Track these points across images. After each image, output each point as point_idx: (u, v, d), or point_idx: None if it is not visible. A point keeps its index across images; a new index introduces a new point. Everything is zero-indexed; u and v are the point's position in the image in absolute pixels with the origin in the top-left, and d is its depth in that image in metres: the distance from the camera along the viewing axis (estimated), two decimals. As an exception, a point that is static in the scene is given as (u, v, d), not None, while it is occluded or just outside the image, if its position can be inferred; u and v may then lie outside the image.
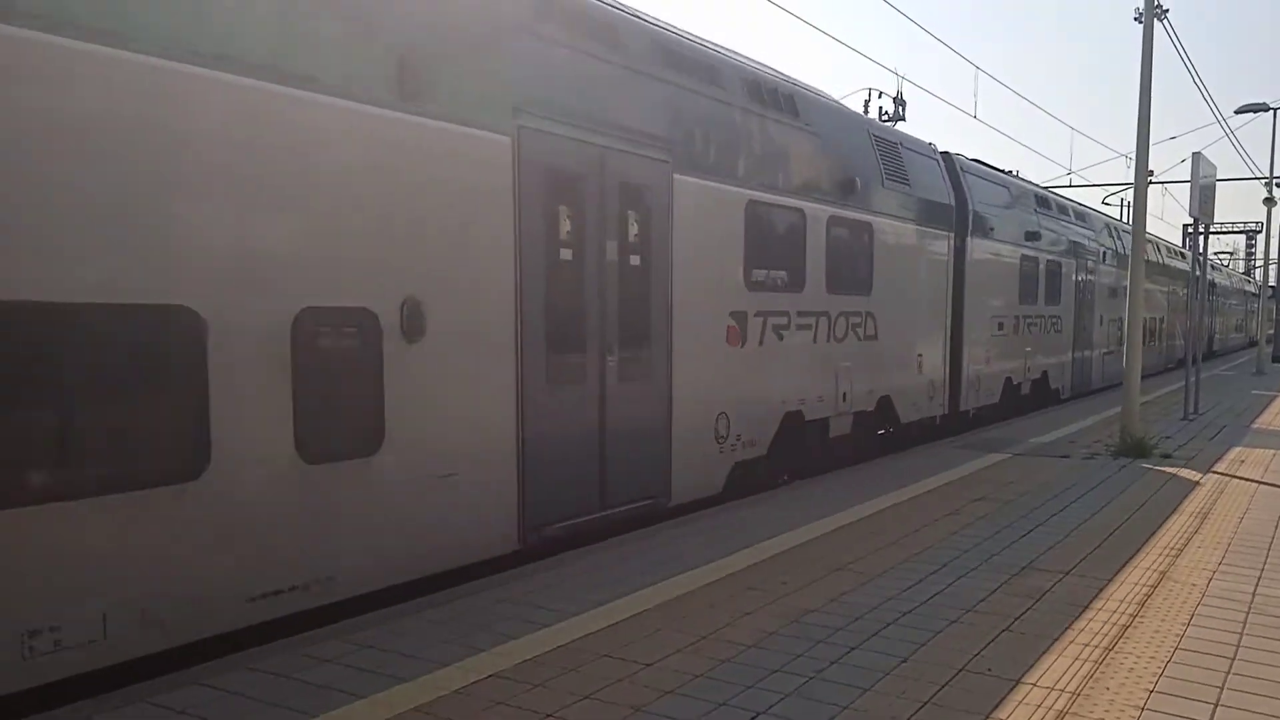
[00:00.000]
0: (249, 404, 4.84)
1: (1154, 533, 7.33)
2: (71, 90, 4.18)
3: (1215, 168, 14.77)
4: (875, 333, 10.93)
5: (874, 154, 11.02)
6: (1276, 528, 7.52)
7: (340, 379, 5.40)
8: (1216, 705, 4.10)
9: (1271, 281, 36.25)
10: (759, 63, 9.66)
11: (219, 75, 4.67)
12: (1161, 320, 26.66)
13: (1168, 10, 12.41)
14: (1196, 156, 13.50)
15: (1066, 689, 4.26)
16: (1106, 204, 36.18)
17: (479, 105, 6.08)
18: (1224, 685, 4.33)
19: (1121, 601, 5.57)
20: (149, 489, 4.44)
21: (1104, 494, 8.89)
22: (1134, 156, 12.37)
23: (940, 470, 10.09)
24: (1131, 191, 13.59)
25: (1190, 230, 19.50)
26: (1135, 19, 12.21)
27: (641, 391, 7.62)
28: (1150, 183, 13.63)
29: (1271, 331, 36.40)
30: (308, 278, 5.12)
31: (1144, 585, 5.91)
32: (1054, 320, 17.31)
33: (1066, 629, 5.07)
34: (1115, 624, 5.17)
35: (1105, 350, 20.93)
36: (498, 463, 6.31)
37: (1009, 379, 15.37)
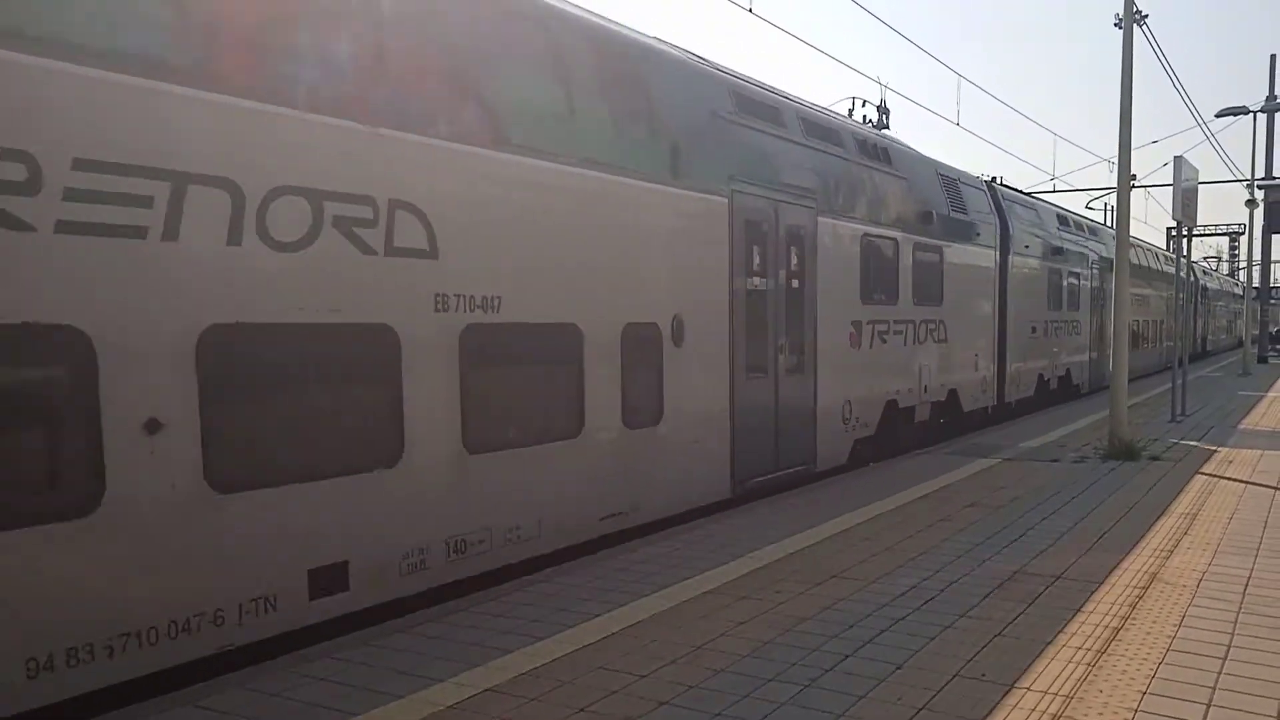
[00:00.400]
0: (601, 388, 7.20)
1: (1144, 535, 7.36)
2: (594, 203, 7.18)
3: (1197, 171, 14.90)
4: (945, 337, 13.40)
5: (941, 189, 13.49)
6: (1265, 528, 7.57)
7: (643, 371, 7.68)
8: (1209, 706, 4.12)
9: (1255, 283, 36.52)
10: (856, 122, 13.20)
11: (600, 175, 7.19)
12: (1161, 323, 28.95)
13: (1147, 15, 12.54)
14: (1178, 160, 13.62)
15: (1060, 692, 4.28)
16: (1090, 208, 36.57)
17: (713, 177, 8.54)
18: (1216, 685, 4.35)
19: (1113, 604, 5.59)
20: (555, 442, 6.84)
21: (1094, 497, 8.93)
22: (1116, 161, 12.48)
23: (932, 476, 10.12)
24: (1114, 196, 13.69)
25: (1174, 233, 19.67)
26: (1115, 24, 12.34)
27: (799, 383, 9.98)
28: (1133, 187, 13.74)
29: (1257, 333, 36.65)
30: (629, 303, 7.53)
31: (1135, 587, 5.94)
32: (1074, 324, 19.92)
33: (1059, 632, 5.09)
34: (1107, 627, 5.19)
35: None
36: (719, 433, 8.72)
37: (1041, 375, 17.98)
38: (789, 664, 4.67)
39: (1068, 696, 4.24)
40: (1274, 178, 31.84)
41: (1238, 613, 5.41)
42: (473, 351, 6.08)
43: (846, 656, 4.78)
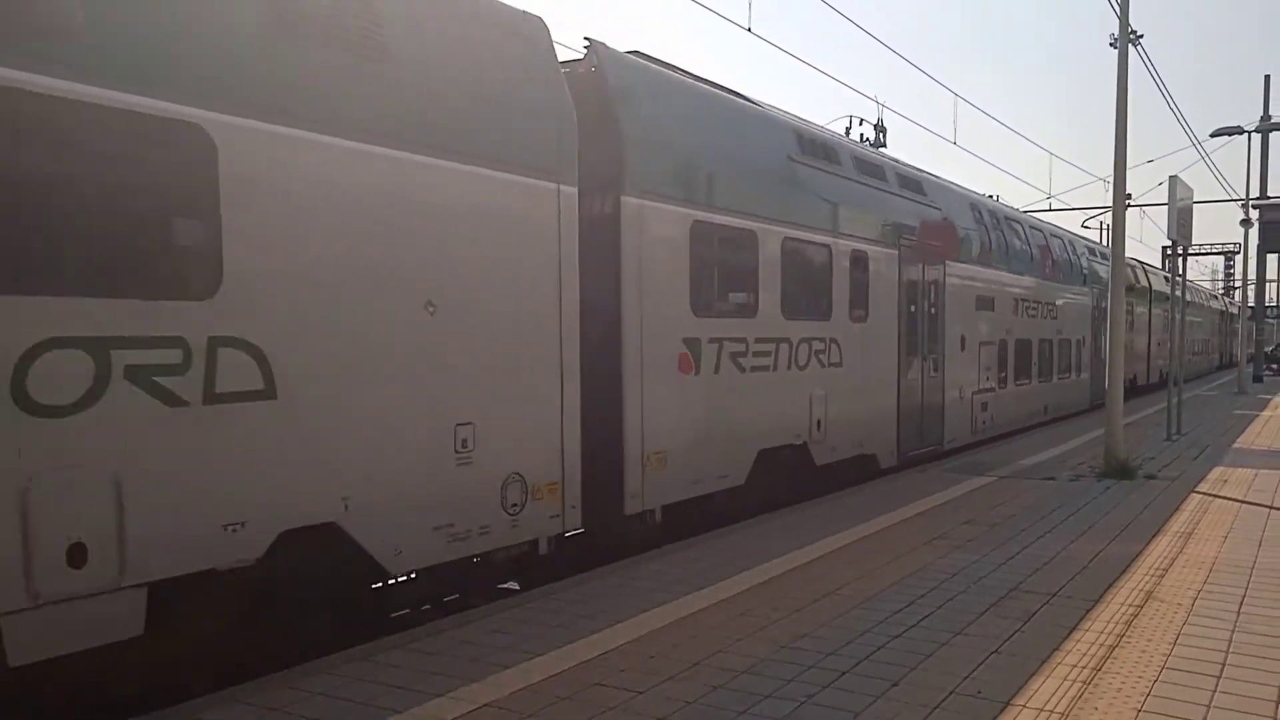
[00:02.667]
0: None
1: (1139, 553, 7.39)
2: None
3: (1192, 190, 15.00)
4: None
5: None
6: (1260, 546, 7.60)
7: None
8: (1203, 724, 4.15)
9: (1250, 302, 36.65)
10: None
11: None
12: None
13: (1142, 35, 12.64)
14: (1173, 180, 13.72)
15: (1055, 710, 4.30)
16: (1086, 227, 36.69)
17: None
18: (1210, 704, 4.37)
19: (1109, 622, 5.61)
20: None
21: (1089, 516, 8.96)
22: (1112, 181, 12.57)
23: (928, 494, 10.15)
24: (1110, 215, 13.78)
25: (1169, 252, 19.78)
26: (1110, 44, 12.44)
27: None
28: (1128, 206, 13.82)
29: (1252, 351, 36.75)
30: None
31: (1130, 605, 5.96)
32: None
33: (1055, 650, 5.11)
34: (1103, 644, 5.21)
35: (1154, 361, 28.85)
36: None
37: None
38: (786, 680, 4.69)
39: (1064, 714, 4.26)
40: (1269, 197, 32.04)
41: (1232, 631, 5.44)
42: None
43: (843, 673, 4.79)
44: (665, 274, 7.96)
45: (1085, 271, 21.03)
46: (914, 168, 13.99)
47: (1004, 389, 16.09)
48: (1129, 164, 12.33)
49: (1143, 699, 4.42)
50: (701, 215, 8.43)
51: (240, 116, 4.84)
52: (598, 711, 4.32)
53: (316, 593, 5.50)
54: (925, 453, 12.91)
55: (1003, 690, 4.54)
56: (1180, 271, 16.56)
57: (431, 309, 5.83)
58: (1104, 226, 36.09)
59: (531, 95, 6.64)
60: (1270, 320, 38.91)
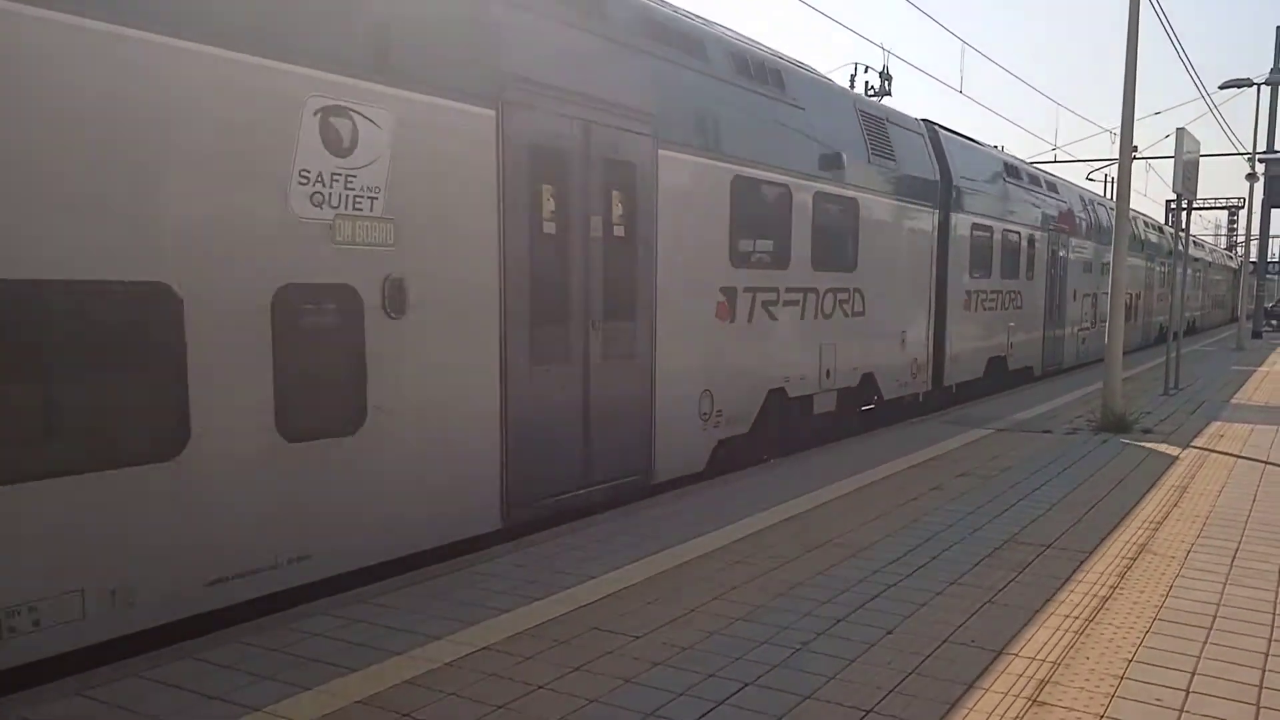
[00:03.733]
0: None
1: (1134, 506, 7.44)
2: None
3: (1199, 143, 14.85)
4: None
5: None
6: (1253, 501, 7.64)
7: None
8: (1193, 674, 4.20)
9: (1252, 258, 36.51)
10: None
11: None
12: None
13: (1154, -14, 12.42)
14: (1180, 132, 13.55)
15: (1048, 659, 4.35)
16: (1090, 180, 36.39)
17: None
18: (1200, 655, 4.42)
19: (1102, 574, 5.66)
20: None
21: (1085, 469, 9.00)
22: (1119, 132, 12.42)
23: (924, 445, 10.18)
24: (1115, 167, 13.66)
25: (1173, 206, 19.65)
26: (1122, -7, 12.20)
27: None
28: (1134, 158, 13.68)
29: (1252, 307, 36.71)
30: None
31: (1124, 558, 6.01)
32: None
33: (1048, 601, 5.16)
34: (1096, 595, 5.26)
35: (1198, 312, 37.97)
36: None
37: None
38: (782, 627, 4.74)
39: (1055, 663, 4.30)
40: (1275, 151, 31.75)
41: (1224, 584, 5.48)
42: None
43: (839, 621, 4.84)
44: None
45: (1142, 241, 26.70)
46: (1048, 174, 19.93)
47: (1094, 328, 21.48)
48: (1136, 115, 12.19)
49: (1134, 649, 4.47)
50: None
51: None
52: (595, 655, 4.36)
53: (860, 401, 11.61)
54: (1053, 368, 19.04)
55: (996, 639, 4.59)
56: (1185, 225, 16.46)
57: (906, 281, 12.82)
58: (1108, 178, 35.82)
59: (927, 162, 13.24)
60: (1272, 276, 38.76)
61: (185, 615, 4.68)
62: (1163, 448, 10.18)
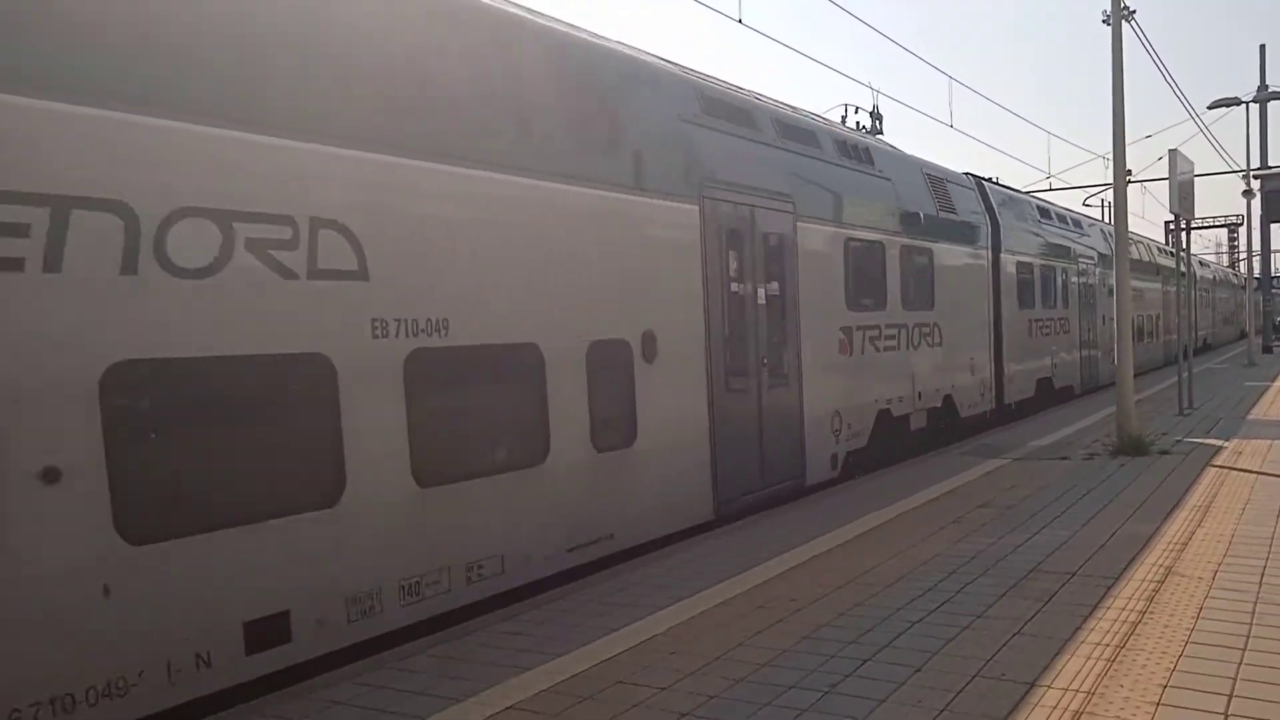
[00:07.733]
0: None
1: (1157, 529, 7.36)
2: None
3: (1193, 163, 14.93)
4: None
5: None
6: (1278, 518, 7.56)
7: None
8: (1231, 696, 4.12)
9: (1256, 273, 36.48)
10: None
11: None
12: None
13: (1135, 11, 12.58)
14: (1173, 153, 13.65)
15: (1081, 689, 4.28)
16: (1087, 205, 36.52)
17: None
18: (1237, 676, 4.34)
19: (1130, 599, 5.59)
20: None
21: (1105, 493, 8.93)
22: (1111, 157, 12.51)
23: (943, 478, 10.12)
24: (1111, 192, 13.77)
25: (1172, 227, 19.73)
26: (1104, 21, 12.40)
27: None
28: (1129, 182, 13.78)
29: (1261, 324, 36.61)
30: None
31: (1151, 582, 5.93)
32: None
33: (1077, 629, 5.09)
34: (1125, 622, 5.18)
35: (1210, 330, 39.55)
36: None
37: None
38: (808, 671, 4.68)
39: (1089, 693, 4.23)
40: (1270, 167, 31.89)
41: (1255, 603, 5.41)
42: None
43: (865, 661, 4.78)
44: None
45: (1157, 266, 28.47)
46: (1072, 211, 22.02)
47: (1141, 343, 24.07)
48: (1127, 139, 12.29)
49: (1168, 674, 4.40)
50: None
51: None
52: (622, 709, 4.31)
53: (941, 422, 12.86)
54: (1092, 386, 20.55)
55: (1027, 671, 4.52)
56: (1185, 246, 16.50)
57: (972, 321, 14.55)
58: (1105, 204, 35.97)
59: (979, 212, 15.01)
60: (1277, 290, 38.73)
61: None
62: (1182, 468, 10.09)
